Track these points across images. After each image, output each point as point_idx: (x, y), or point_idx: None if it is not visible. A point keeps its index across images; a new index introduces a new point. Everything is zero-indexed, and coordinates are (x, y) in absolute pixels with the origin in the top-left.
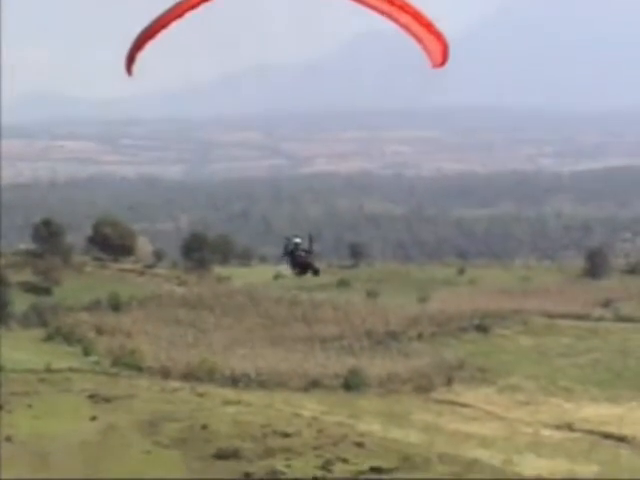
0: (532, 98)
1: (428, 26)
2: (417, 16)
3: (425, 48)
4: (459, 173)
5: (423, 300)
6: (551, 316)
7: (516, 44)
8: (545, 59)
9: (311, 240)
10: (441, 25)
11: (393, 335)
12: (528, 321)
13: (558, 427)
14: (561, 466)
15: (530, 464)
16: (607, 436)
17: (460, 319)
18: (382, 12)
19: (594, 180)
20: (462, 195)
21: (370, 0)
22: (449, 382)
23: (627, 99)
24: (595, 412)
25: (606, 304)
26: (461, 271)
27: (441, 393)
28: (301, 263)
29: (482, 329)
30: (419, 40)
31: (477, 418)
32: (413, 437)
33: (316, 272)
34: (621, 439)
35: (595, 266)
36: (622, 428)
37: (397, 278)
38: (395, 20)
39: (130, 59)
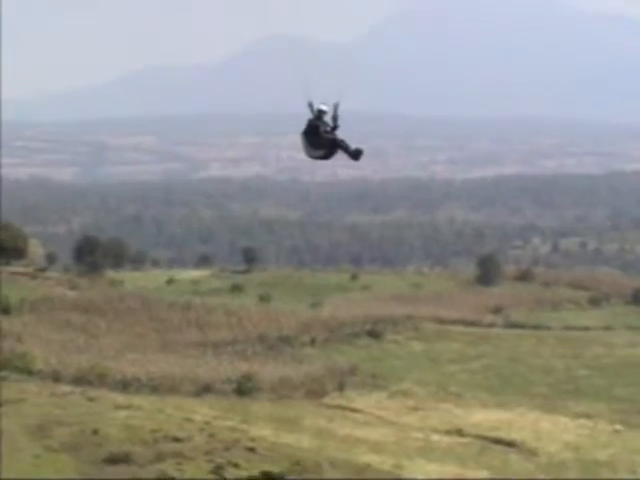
0: (426, 106)
1: None
2: None
3: None
4: (353, 179)
5: (316, 305)
6: (442, 322)
7: (408, 51)
8: (438, 66)
9: (336, 109)
10: (334, 33)
11: (286, 340)
12: (420, 327)
13: (448, 432)
14: (451, 471)
15: (420, 469)
16: (496, 441)
17: (353, 325)
18: None
19: (486, 187)
20: (356, 201)
21: None
22: (341, 387)
23: (521, 108)
24: (485, 417)
25: (497, 310)
26: (354, 277)
27: (333, 398)
28: (327, 141)
29: (374, 335)
30: None
31: (368, 423)
32: (305, 442)
33: (356, 155)
34: (510, 444)
35: (486, 273)
36: (511, 433)
37: (290, 283)
38: None
39: None
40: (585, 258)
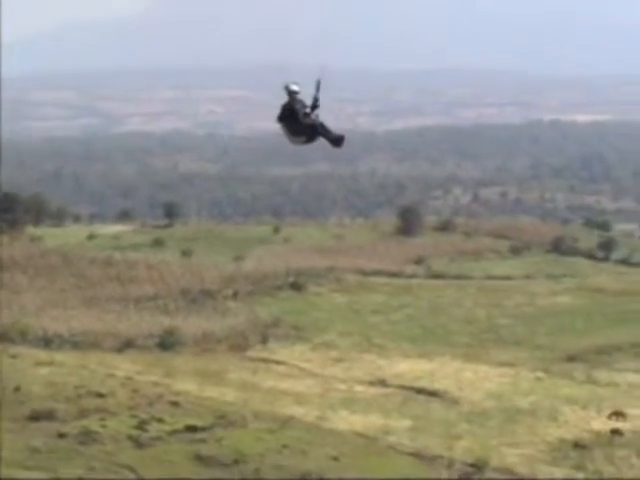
0: (349, 58)
1: None
2: None
3: None
4: (274, 132)
5: (238, 259)
6: (365, 273)
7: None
8: (362, 19)
9: (318, 88)
10: None
11: (208, 294)
12: (342, 279)
13: (372, 383)
14: (375, 421)
15: (344, 419)
16: (419, 391)
17: (275, 277)
18: None
19: (408, 139)
20: (277, 154)
21: None
22: (264, 340)
23: (442, 59)
24: (408, 368)
25: (418, 261)
26: (276, 230)
27: (256, 351)
28: (307, 127)
29: (297, 287)
30: None
31: (292, 375)
32: (229, 395)
33: (338, 141)
34: (433, 393)
35: (408, 224)
36: (434, 383)
37: (212, 237)
38: None
39: None
40: (506, 208)
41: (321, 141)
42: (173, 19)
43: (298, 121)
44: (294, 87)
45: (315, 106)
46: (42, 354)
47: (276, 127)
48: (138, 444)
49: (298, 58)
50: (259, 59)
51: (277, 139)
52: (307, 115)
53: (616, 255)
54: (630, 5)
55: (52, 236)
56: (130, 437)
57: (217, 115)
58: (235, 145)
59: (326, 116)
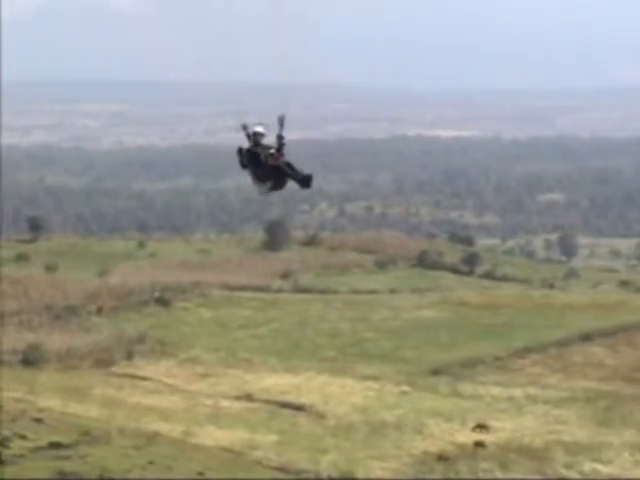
0: (213, 71)
1: None
2: None
3: None
4: (140, 147)
5: (103, 274)
6: (231, 288)
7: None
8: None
9: (282, 124)
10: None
11: (73, 309)
12: (208, 294)
13: (238, 398)
14: (241, 436)
15: (210, 435)
16: (286, 405)
17: (141, 293)
18: None
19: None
20: (143, 169)
21: None
22: (130, 356)
23: (313, 73)
24: (274, 382)
25: (285, 275)
26: (141, 244)
27: (122, 367)
28: (271, 170)
29: (162, 302)
30: None
31: (158, 391)
32: (93, 411)
33: (306, 181)
34: (299, 408)
35: (274, 238)
36: (300, 397)
37: (77, 252)
38: None
39: None
40: (371, 222)
41: (191, 157)
42: (58, 31)
43: (261, 165)
44: (259, 129)
45: (282, 145)
46: None
47: (143, 142)
48: (0, 461)
49: (167, 73)
50: (134, 74)
51: (145, 154)
52: (272, 156)
53: (480, 269)
54: (495, 24)
55: None
56: None
57: (89, 129)
58: (101, 159)
59: (185, 128)
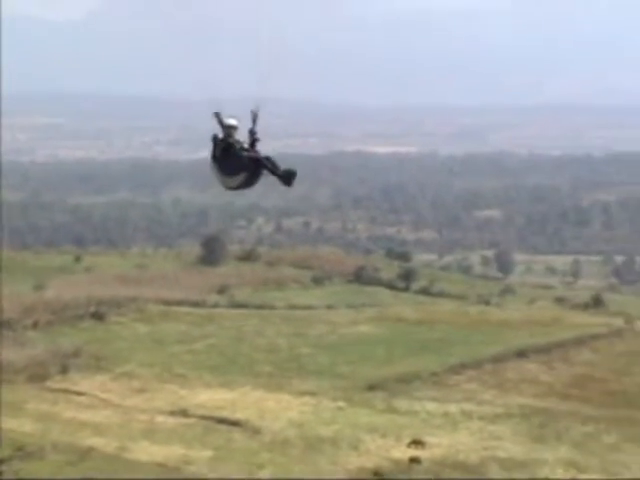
0: (151, 86)
1: None
2: None
3: None
4: (76, 160)
5: (39, 288)
6: (167, 303)
7: (133, 29)
8: (160, 45)
9: (255, 120)
10: (58, 10)
11: (7, 324)
12: (144, 308)
13: (173, 413)
14: (176, 451)
15: (145, 450)
16: (221, 421)
17: (76, 307)
18: None
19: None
20: (79, 182)
21: None
22: (65, 370)
23: (238, 89)
24: (209, 397)
25: (221, 290)
26: (78, 258)
27: (56, 382)
28: (249, 162)
29: (98, 317)
30: None
31: (92, 406)
32: (27, 426)
33: (288, 177)
34: (235, 423)
35: (211, 253)
36: (236, 412)
37: (13, 266)
38: None
39: None
40: (308, 237)
41: (127, 170)
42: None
43: (235, 156)
44: (232, 121)
45: (254, 141)
46: None
47: (80, 155)
48: None
49: (104, 86)
50: (60, 87)
51: (81, 167)
52: (246, 150)
53: (416, 285)
54: (431, 41)
55: None
56: None
57: (21, 142)
58: (37, 172)
59: (122, 142)
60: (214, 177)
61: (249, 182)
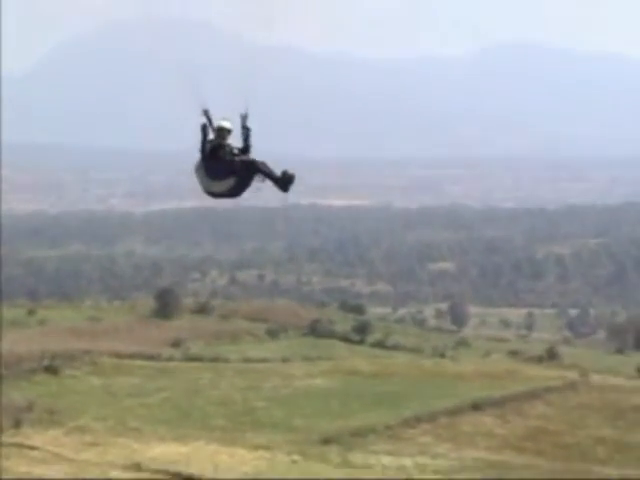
0: (102, 137)
1: None
2: None
3: None
4: (29, 213)
5: None
6: (120, 356)
7: (83, 82)
8: (120, 98)
9: (245, 119)
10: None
11: None
12: (98, 361)
13: (126, 467)
14: None
15: None
16: (175, 475)
17: (30, 360)
18: None
19: (165, 221)
20: (32, 235)
21: None
22: (17, 424)
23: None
24: (163, 451)
25: (176, 344)
26: (31, 312)
27: (9, 436)
28: (241, 166)
29: (52, 370)
30: None
31: (45, 460)
32: None
33: (286, 182)
34: (188, 478)
35: (165, 306)
36: (190, 466)
37: None
38: None
39: None
40: (263, 290)
41: (80, 223)
42: None
43: (226, 159)
44: (225, 124)
45: (248, 146)
46: None
47: (32, 208)
48: None
49: (57, 138)
50: (17, 139)
51: (34, 220)
52: (237, 155)
53: (371, 338)
54: (386, 94)
55: None
56: None
57: None
58: None
59: (74, 194)
60: (197, 178)
61: (236, 189)
